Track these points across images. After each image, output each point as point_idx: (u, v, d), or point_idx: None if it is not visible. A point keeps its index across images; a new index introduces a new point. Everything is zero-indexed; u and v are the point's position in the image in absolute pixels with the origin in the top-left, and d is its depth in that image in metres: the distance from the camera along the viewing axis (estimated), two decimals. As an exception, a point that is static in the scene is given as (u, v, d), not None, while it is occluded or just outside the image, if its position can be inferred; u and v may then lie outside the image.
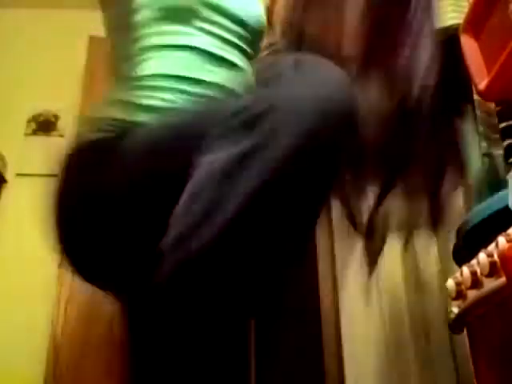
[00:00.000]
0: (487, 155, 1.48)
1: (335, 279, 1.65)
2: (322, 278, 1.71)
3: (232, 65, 1.05)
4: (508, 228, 0.79)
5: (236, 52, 1.07)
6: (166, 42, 1.01)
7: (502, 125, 1.38)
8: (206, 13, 1.02)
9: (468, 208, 1.58)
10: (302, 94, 0.81)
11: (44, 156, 3.17)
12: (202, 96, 0.97)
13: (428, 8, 1.23)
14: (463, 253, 1.02)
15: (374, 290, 1.48)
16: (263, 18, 1.15)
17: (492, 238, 0.81)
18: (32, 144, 2.98)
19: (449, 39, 1.56)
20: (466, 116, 1.66)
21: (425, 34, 1.20)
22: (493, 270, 0.80)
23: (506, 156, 1.36)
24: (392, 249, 1.49)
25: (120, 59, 1.07)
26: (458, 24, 1.47)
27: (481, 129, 1.49)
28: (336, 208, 1.72)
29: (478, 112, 1.52)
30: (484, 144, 1.48)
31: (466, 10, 1.51)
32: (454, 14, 1.56)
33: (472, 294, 0.89)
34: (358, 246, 1.58)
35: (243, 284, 0.75)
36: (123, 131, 0.91)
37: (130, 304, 0.93)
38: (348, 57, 1.19)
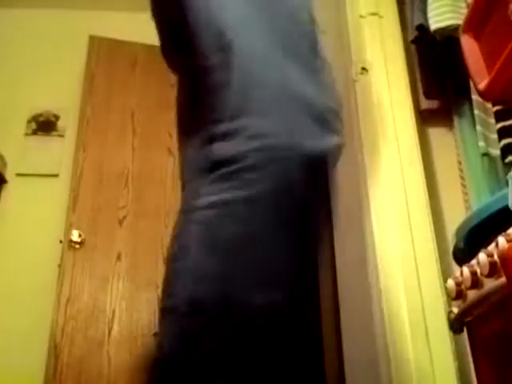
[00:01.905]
0: (486, 155, 1.48)
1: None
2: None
3: None
4: (508, 228, 0.79)
5: None
6: None
7: (499, 125, 1.38)
8: None
9: (468, 208, 1.58)
10: None
11: (44, 156, 3.18)
12: None
13: None
14: (463, 253, 1.02)
15: (373, 289, 1.48)
16: None
17: (492, 237, 0.81)
18: (32, 144, 2.98)
19: (447, 39, 1.56)
20: (464, 116, 1.66)
21: None
22: (493, 270, 0.80)
23: (503, 156, 1.36)
24: (392, 248, 1.49)
25: None
26: (455, 25, 1.48)
27: (479, 128, 1.49)
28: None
29: (476, 112, 1.52)
30: (482, 144, 1.47)
31: (462, 10, 1.52)
32: (451, 15, 1.56)
33: (472, 294, 0.89)
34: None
35: None
36: None
37: None
38: None
